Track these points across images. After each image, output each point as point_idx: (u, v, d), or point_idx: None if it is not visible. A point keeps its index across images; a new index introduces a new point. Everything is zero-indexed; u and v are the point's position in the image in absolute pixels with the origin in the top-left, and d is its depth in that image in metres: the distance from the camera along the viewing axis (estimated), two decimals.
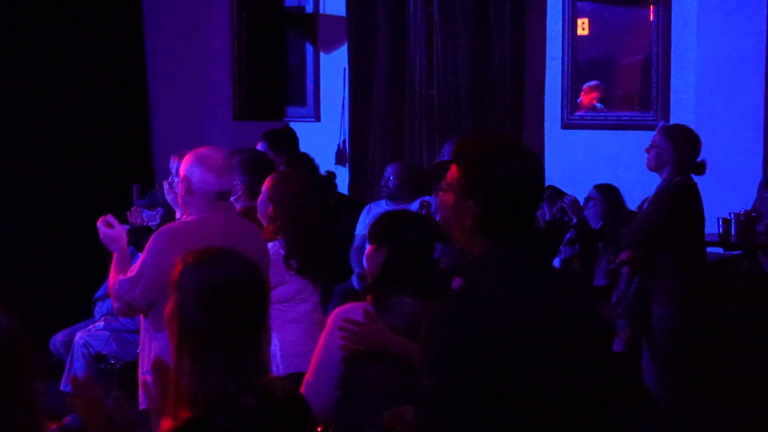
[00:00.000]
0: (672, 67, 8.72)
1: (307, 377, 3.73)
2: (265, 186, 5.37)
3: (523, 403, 2.62)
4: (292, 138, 8.15)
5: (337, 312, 3.78)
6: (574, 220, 7.68)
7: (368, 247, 3.86)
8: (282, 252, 5.28)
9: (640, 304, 6.29)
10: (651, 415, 6.47)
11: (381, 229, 3.87)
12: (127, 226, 6.41)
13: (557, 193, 7.91)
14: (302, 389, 3.64)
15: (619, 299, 6.35)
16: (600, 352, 2.79)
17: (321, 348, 3.73)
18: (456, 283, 3.43)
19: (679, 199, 6.28)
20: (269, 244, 5.17)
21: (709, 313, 6.62)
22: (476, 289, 2.70)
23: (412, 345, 3.51)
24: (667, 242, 6.27)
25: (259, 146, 7.51)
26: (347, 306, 3.82)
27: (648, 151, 6.54)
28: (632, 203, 7.68)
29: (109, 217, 4.87)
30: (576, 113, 9.21)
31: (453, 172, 2.75)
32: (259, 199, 5.38)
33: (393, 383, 3.62)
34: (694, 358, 6.52)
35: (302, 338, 5.20)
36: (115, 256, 4.83)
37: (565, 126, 9.22)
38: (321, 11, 10.18)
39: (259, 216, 5.37)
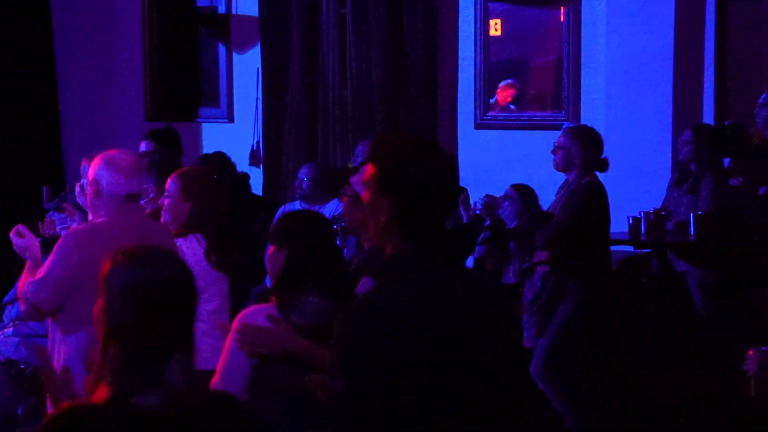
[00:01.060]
0: (582, 67, 8.81)
1: (215, 381, 3.70)
2: (178, 185, 5.31)
3: (435, 403, 2.62)
4: (177, 137, 8.11)
5: (241, 315, 3.76)
6: (487, 222, 7.73)
7: (269, 248, 3.85)
8: (196, 248, 5.23)
9: (555, 304, 6.36)
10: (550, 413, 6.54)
11: (281, 229, 3.85)
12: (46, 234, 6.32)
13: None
14: None
15: (536, 298, 6.40)
16: (512, 352, 2.80)
17: (227, 352, 3.71)
18: (363, 282, 3.43)
19: (593, 199, 6.37)
20: (178, 241, 5.13)
21: (619, 312, 6.71)
22: (388, 289, 2.70)
23: (317, 347, 3.52)
24: (582, 242, 6.35)
25: (143, 146, 7.46)
26: (251, 309, 3.80)
27: (554, 152, 6.61)
28: (545, 203, 7.74)
29: (20, 227, 4.82)
30: (489, 113, 9.26)
31: (369, 170, 2.76)
32: (171, 199, 5.31)
33: (301, 386, 3.60)
34: (593, 356, 6.60)
35: (200, 337, 5.15)
36: (27, 263, 4.77)
37: (478, 126, 9.27)
38: (234, 11, 10.12)
39: (170, 216, 5.31)
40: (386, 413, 2.59)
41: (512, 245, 7.41)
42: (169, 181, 5.34)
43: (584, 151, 6.39)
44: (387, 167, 2.71)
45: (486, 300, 2.77)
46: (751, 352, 3.96)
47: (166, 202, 5.32)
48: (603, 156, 6.50)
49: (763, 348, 3.93)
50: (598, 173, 6.51)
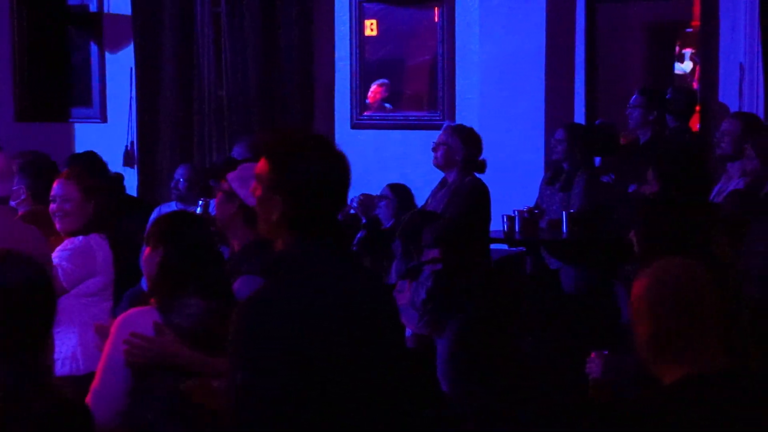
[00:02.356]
0: (457, 67, 8.90)
1: (94, 385, 3.64)
2: (77, 187, 5.17)
3: (329, 397, 2.64)
4: None
5: (121, 319, 3.70)
6: (363, 220, 7.76)
7: (145, 250, 3.81)
8: (94, 244, 5.14)
9: (448, 302, 6.39)
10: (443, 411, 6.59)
11: (156, 230, 3.81)
12: None
13: None
14: (89, 397, 3.56)
15: (429, 297, 6.42)
16: (401, 349, 2.83)
17: (107, 356, 3.65)
18: (240, 282, 3.43)
19: (478, 197, 6.44)
20: (80, 238, 5.04)
21: (499, 309, 6.79)
22: (281, 284, 2.71)
23: (199, 355, 3.50)
24: (471, 239, 6.41)
25: None
26: (132, 312, 3.75)
27: (435, 149, 6.66)
28: (421, 202, 7.81)
29: None
30: (365, 113, 9.30)
31: (262, 166, 2.76)
32: (73, 202, 5.16)
33: (179, 391, 3.57)
34: (482, 354, 6.66)
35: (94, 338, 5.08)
36: None
37: (355, 126, 9.30)
38: (105, 10, 9.97)
39: (74, 218, 5.17)
40: (284, 407, 2.60)
41: (396, 245, 7.44)
42: (58, 184, 5.19)
43: (465, 148, 6.46)
44: (281, 163, 2.71)
45: (376, 296, 2.79)
46: (593, 355, 4.06)
47: (67, 206, 5.15)
48: (483, 157, 6.58)
49: (605, 351, 4.03)
50: (492, 174, 6.58)
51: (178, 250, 3.72)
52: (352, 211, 7.93)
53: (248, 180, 2.99)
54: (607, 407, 2.75)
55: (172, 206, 7.97)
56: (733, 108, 7.96)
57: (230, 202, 4.24)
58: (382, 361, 2.71)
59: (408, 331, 6.48)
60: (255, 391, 2.59)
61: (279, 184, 2.70)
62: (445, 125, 6.98)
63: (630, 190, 7.50)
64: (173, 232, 3.77)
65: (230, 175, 4.16)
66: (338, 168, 2.74)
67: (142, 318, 3.67)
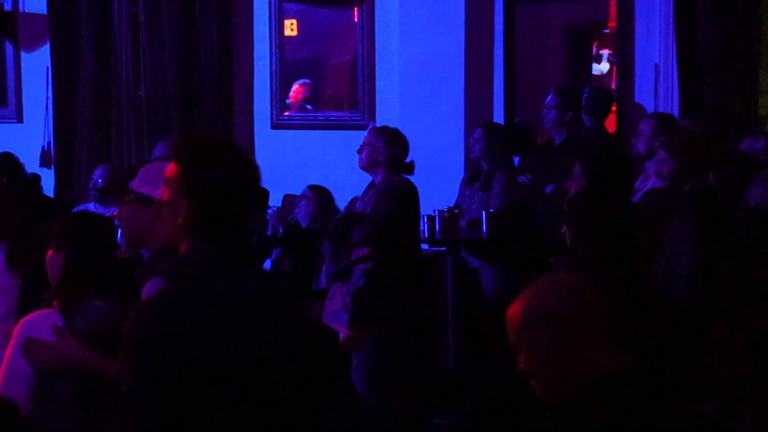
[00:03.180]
0: (377, 67, 8.91)
1: None
2: None
3: (224, 406, 2.62)
4: None
5: (23, 322, 3.66)
6: (281, 230, 7.74)
7: (49, 252, 3.76)
8: None
9: (376, 301, 6.39)
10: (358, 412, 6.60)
11: (59, 232, 3.77)
12: None
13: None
14: None
15: (356, 294, 6.41)
16: (308, 354, 2.81)
17: (8, 359, 3.60)
18: (150, 284, 3.39)
19: (406, 196, 6.44)
20: None
21: (427, 307, 6.82)
22: (180, 289, 2.70)
23: (100, 359, 3.47)
24: (396, 238, 6.42)
25: None
26: (33, 315, 3.70)
27: (360, 151, 6.65)
28: (341, 203, 7.81)
29: None
30: (285, 113, 9.27)
31: (171, 169, 2.75)
32: None
33: (85, 396, 3.54)
34: (413, 354, 6.69)
35: None
36: None
37: (275, 126, 9.27)
38: (21, 9, 9.83)
39: None
40: (174, 415, 2.58)
41: (325, 248, 7.42)
42: None
43: (389, 148, 6.46)
44: (188, 167, 2.71)
45: (279, 302, 2.78)
46: None
47: None
48: (410, 157, 6.58)
49: None
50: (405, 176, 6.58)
51: (81, 253, 3.67)
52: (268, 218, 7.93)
53: (156, 180, 2.96)
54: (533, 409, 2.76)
55: (90, 207, 7.88)
56: (649, 108, 8.07)
57: (145, 207, 4.16)
58: (278, 367, 2.70)
59: (341, 335, 6.47)
60: (142, 398, 2.58)
61: (185, 188, 2.69)
62: (369, 126, 6.98)
63: (548, 191, 7.56)
64: (76, 234, 3.73)
65: (133, 184, 4.09)
66: (246, 174, 2.73)
67: (43, 321, 3.62)
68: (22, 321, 3.68)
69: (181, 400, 2.58)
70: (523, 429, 2.76)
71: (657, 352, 3.67)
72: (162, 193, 2.78)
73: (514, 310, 2.79)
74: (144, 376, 2.58)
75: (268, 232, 8.02)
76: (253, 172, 2.76)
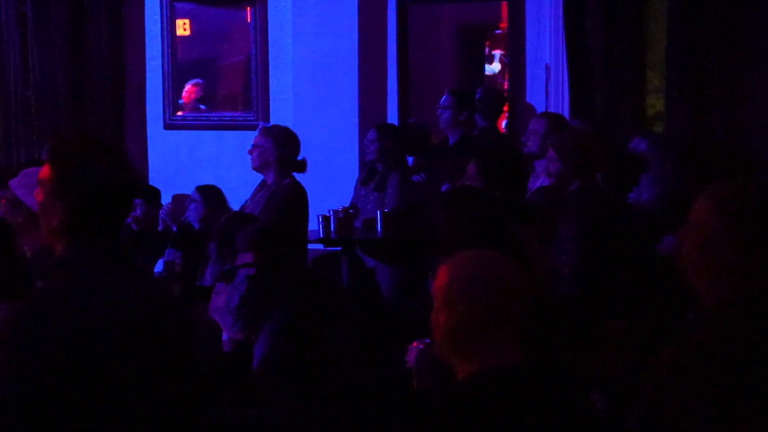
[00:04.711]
0: (270, 68, 8.89)
1: None
2: None
3: (98, 406, 2.61)
4: None
5: None
6: (174, 228, 7.68)
7: None
8: None
9: (263, 306, 6.37)
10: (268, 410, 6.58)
11: None
12: None
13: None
14: None
15: (242, 301, 6.38)
16: (182, 357, 2.80)
17: None
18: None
19: (295, 200, 6.43)
20: None
21: (316, 310, 6.81)
22: (54, 291, 2.69)
23: None
24: (286, 243, 6.40)
25: None
26: None
27: (251, 152, 6.63)
28: (235, 203, 7.76)
29: None
30: (178, 114, 9.20)
31: (45, 171, 2.74)
32: None
33: None
34: (299, 355, 6.68)
35: None
36: None
37: (168, 126, 9.19)
38: None
39: None
40: (49, 418, 2.57)
41: (211, 247, 7.38)
42: None
43: (278, 149, 6.44)
44: (62, 169, 2.70)
45: (155, 305, 2.77)
46: (414, 344, 4.10)
47: None
48: (300, 157, 6.58)
49: (427, 340, 4.03)
50: (300, 174, 6.58)
51: None
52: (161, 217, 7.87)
53: (32, 187, 2.93)
54: (406, 403, 2.77)
55: None
56: (540, 108, 8.18)
57: (16, 209, 4.10)
58: (150, 370, 2.69)
59: (224, 335, 6.45)
60: (16, 404, 2.55)
61: (60, 189, 2.69)
62: (259, 127, 6.95)
63: (443, 190, 7.62)
64: None
65: (12, 183, 4.02)
66: (121, 175, 2.73)
67: None
68: None
69: (51, 402, 2.56)
70: (400, 418, 2.76)
71: (546, 348, 3.71)
72: (36, 194, 2.76)
73: (442, 272, 2.78)
74: (13, 378, 2.55)
75: (159, 228, 7.96)
76: (128, 173, 2.76)
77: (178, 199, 8.10)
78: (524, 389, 2.71)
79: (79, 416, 2.59)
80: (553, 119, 6.89)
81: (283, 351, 6.43)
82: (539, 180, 6.38)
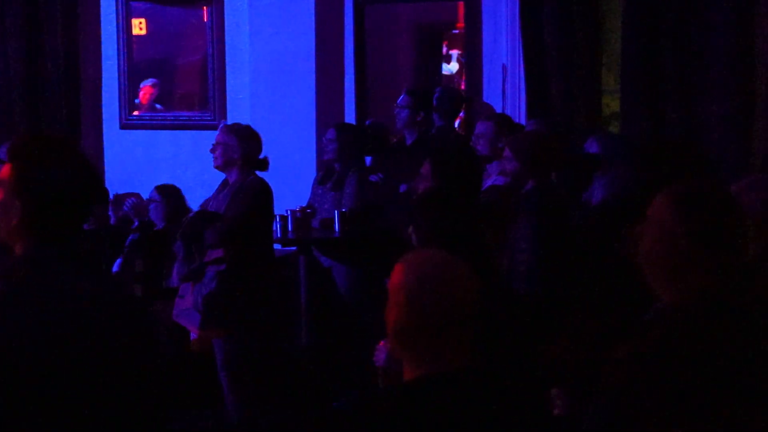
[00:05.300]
0: (227, 67, 8.88)
1: None
2: None
3: (48, 411, 2.60)
4: None
5: None
6: (136, 223, 7.64)
7: None
8: None
9: (228, 303, 6.35)
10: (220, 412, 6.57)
11: None
12: None
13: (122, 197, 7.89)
14: None
15: (212, 298, 6.35)
16: (140, 358, 2.79)
17: None
18: None
19: (261, 196, 6.40)
20: None
21: (280, 309, 6.83)
22: (12, 291, 2.68)
23: None
24: (254, 239, 6.39)
25: None
26: None
27: (213, 150, 6.61)
28: (192, 203, 7.74)
29: None
30: (134, 113, 9.16)
31: (5, 170, 2.75)
32: None
33: None
34: (263, 353, 6.69)
35: None
36: None
37: (124, 126, 9.15)
38: None
39: None
40: (8, 422, 2.57)
41: (177, 246, 7.34)
42: None
43: (243, 147, 6.41)
44: (22, 168, 2.71)
45: (115, 305, 2.77)
46: (381, 344, 4.10)
47: None
48: (262, 155, 6.57)
49: None
50: (259, 173, 6.56)
51: None
52: (125, 211, 7.82)
53: None
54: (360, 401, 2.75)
55: None
56: (497, 108, 8.21)
57: None
58: (110, 370, 2.69)
59: (192, 335, 6.43)
60: None
61: (19, 188, 2.70)
62: (221, 125, 6.92)
63: (402, 190, 7.63)
64: None
65: None
66: (81, 173, 2.73)
67: None
68: None
69: (5, 402, 2.56)
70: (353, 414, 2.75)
71: (496, 350, 3.72)
72: None
73: (397, 271, 2.78)
74: None
75: (111, 222, 7.91)
76: (88, 171, 2.77)
77: (120, 199, 8.05)
78: (470, 394, 2.70)
79: (33, 417, 2.59)
80: (499, 120, 6.92)
81: (252, 348, 6.43)
82: (489, 180, 6.41)
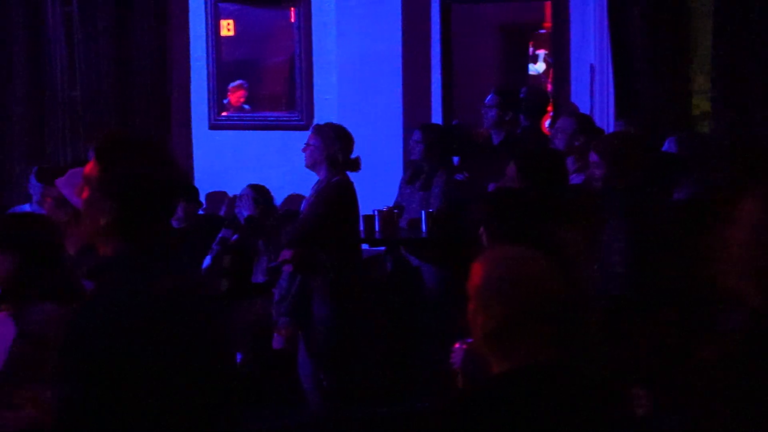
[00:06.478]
0: (314, 68, 8.92)
1: None
2: None
3: (153, 405, 2.63)
4: None
5: None
6: (227, 220, 7.72)
7: None
8: None
9: (302, 302, 6.40)
10: (301, 409, 6.61)
11: (6, 233, 3.72)
12: None
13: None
14: None
15: (282, 297, 6.42)
16: (222, 352, 2.82)
17: None
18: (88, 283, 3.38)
19: (339, 199, 6.44)
20: None
21: (366, 308, 6.84)
22: (106, 292, 2.70)
23: None
24: (327, 241, 6.42)
25: None
26: None
27: (304, 150, 6.67)
28: (279, 202, 7.81)
29: None
30: (223, 114, 9.25)
31: (92, 168, 2.73)
32: None
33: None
34: (352, 353, 6.72)
35: None
36: None
37: (213, 127, 9.24)
38: None
39: None
40: (108, 418, 2.59)
41: (260, 243, 7.43)
42: None
43: (327, 148, 6.46)
44: (110, 167, 2.70)
45: (198, 305, 2.79)
46: (457, 345, 4.09)
47: None
48: (353, 156, 6.60)
49: (469, 340, 4.01)
50: (349, 173, 6.60)
51: (30, 255, 3.64)
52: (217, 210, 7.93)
53: (77, 185, 2.94)
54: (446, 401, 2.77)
55: (26, 209, 7.81)
56: (585, 108, 8.15)
57: (61, 208, 4.13)
58: (203, 368, 2.71)
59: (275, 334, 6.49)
60: (77, 403, 2.58)
61: (109, 187, 2.69)
62: (312, 125, 6.99)
63: (489, 190, 7.61)
64: (24, 236, 3.69)
65: (59, 182, 4.06)
66: (169, 172, 2.74)
67: None
68: None
69: (109, 401, 2.59)
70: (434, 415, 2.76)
71: (581, 347, 3.70)
72: (79, 192, 2.76)
73: (476, 270, 2.78)
74: (74, 377, 2.58)
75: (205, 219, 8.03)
76: (176, 170, 2.77)
77: (213, 197, 8.16)
78: (556, 387, 2.72)
79: (131, 415, 2.62)
80: (580, 118, 6.89)
81: (322, 349, 6.47)
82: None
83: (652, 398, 3.66)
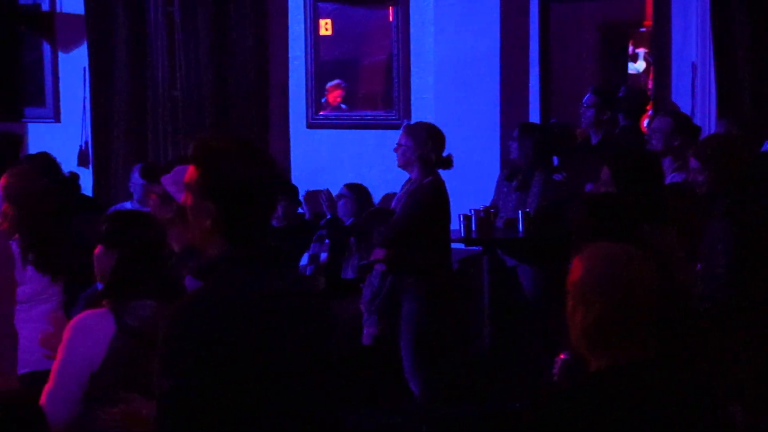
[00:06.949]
0: (412, 67, 8.92)
1: (48, 386, 3.61)
2: (0, 184, 5.23)
3: (257, 402, 2.65)
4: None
5: (75, 321, 3.67)
6: (328, 216, 7.78)
7: (98, 248, 3.79)
8: (18, 250, 5.14)
9: (393, 301, 6.42)
10: (408, 406, 6.63)
11: (111, 230, 3.78)
12: None
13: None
14: (43, 398, 3.54)
15: (374, 296, 6.45)
16: (327, 350, 2.84)
17: (61, 359, 3.62)
18: (189, 281, 3.42)
19: (432, 198, 6.44)
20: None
21: (457, 307, 6.83)
22: (212, 290, 2.73)
23: None
24: (419, 241, 6.43)
25: None
26: (86, 314, 3.72)
27: (396, 150, 6.68)
28: (376, 201, 7.83)
29: None
30: (320, 113, 9.30)
31: (191, 172, 2.76)
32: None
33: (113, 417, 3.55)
34: (443, 350, 6.72)
35: (31, 341, 5.04)
36: None
37: (310, 126, 9.29)
38: (58, 9, 9.90)
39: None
40: (210, 412, 2.63)
41: (352, 241, 7.47)
42: None
43: (419, 148, 6.47)
44: (210, 170, 2.73)
45: (305, 304, 2.81)
46: (561, 356, 4.06)
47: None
48: (446, 154, 6.59)
49: (563, 356, 4.00)
50: (443, 172, 6.59)
51: (133, 252, 3.69)
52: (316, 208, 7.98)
53: (182, 183, 2.98)
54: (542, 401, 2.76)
55: (127, 206, 7.93)
56: (686, 107, 8.03)
57: (166, 204, 4.19)
58: (307, 368, 2.73)
59: (365, 329, 6.53)
60: (180, 398, 2.62)
61: (210, 191, 2.72)
62: (403, 125, 6.98)
63: (587, 189, 7.55)
64: (127, 233, 3.75)
65: (165, 179, 4.11)
66: (268, 173, 2.76)
67: (96, 320, 3.64)
68: (73, 320, 3.69)
69: (212, 402, 2.62)
70: (530, 411, 2.76)
71: (679, 350, 3.66)
72: (184, 198, 2.81)
73: (576, 267, 2.77)
74: (177, 373, 2.62)
75: (306, 217, 8.09)
76: (274, 170, 2.80)
77: (312, 195, 8.22)
78: (653, 386, 2.70)
79: (234, 410, 2.65)
80: (678, 117, 6.78)
81: (415, 345, 6.48)
82: (667, 177, 6.30)
83: (746, 414, 3.59)
